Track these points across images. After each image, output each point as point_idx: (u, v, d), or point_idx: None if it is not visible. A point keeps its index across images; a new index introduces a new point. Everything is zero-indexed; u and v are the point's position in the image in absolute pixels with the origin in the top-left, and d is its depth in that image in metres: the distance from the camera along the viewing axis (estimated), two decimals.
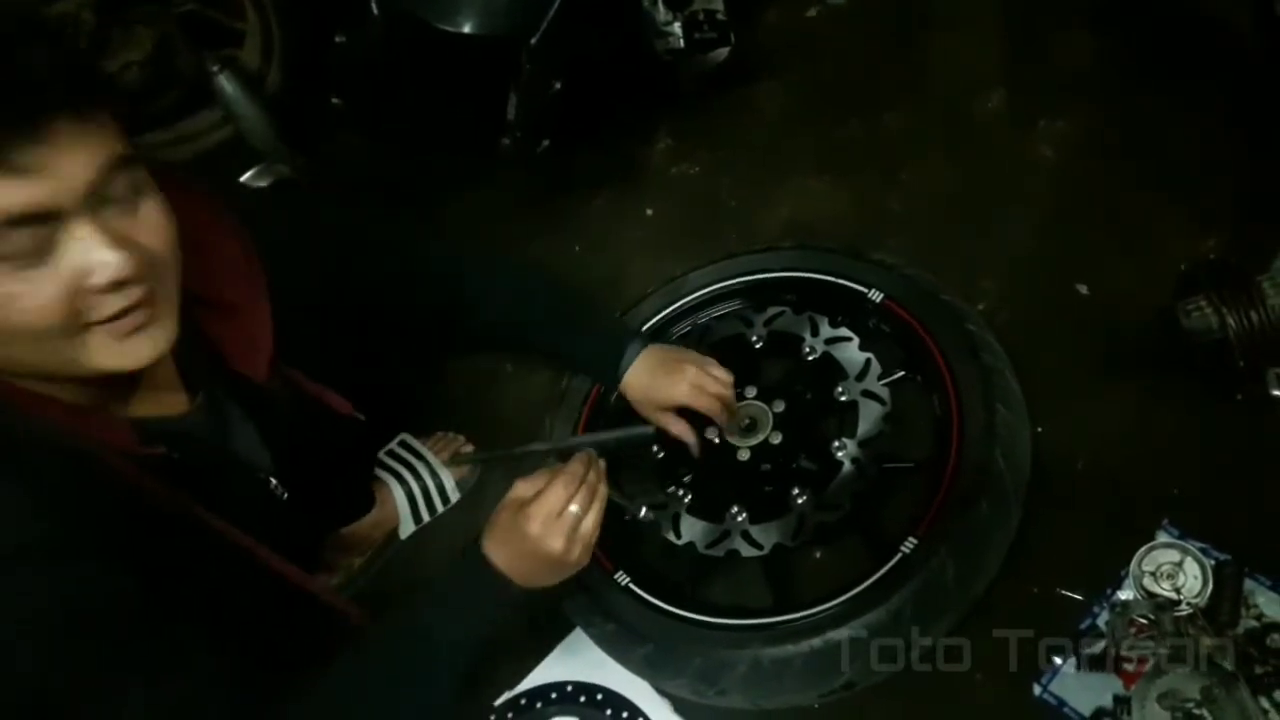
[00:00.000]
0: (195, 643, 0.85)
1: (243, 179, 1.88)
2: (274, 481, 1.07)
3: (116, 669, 0.80)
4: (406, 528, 1.52)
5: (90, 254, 0.75)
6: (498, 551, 0.98)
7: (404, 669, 0.95)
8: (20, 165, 0.70)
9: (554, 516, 0.97)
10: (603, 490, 1.02)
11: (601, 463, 1.04)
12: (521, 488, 1.01)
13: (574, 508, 0.98)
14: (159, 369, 0.93)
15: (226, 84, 1.89)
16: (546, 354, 1.49)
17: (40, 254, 0.73)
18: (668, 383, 1.29)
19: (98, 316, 0.78)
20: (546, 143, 1.69)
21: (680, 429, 1.32)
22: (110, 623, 0.80)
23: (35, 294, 0.74)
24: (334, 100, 1.74)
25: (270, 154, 1.89)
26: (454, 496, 1.54)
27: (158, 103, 2.23)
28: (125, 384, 0.89)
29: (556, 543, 0.97)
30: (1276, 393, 1.20)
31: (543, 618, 1.33)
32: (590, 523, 1.00)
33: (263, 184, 1.86)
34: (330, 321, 1.15)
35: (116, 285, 0.76)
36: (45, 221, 0.72)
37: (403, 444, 1.57)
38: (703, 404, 1.29)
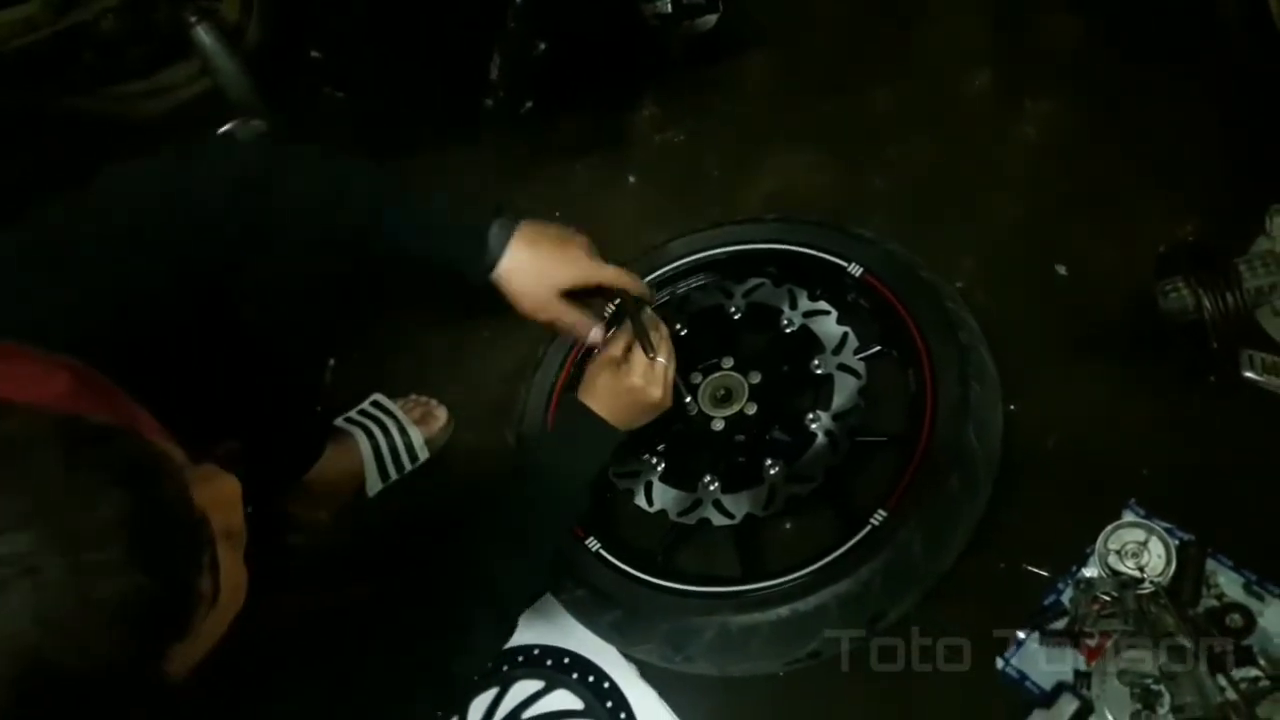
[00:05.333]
0: None
1: (218, 133, 1.85)
2: None
3: None
4: (373, 484, 1.52)
5: None
6: (599, 404, 1.15)
7: (528, 512, 1.11)
8: None
9: (649, 368, 1.16)
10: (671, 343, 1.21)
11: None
12: (612, 348, 1.18)
13: (661, 359, 1.17)
14: None
15: (204, 36, 1.86)
16: (387, 246, 1.13)
17: None
18: (562, 258, 1.12)
19: None
20: (529, 104, 1.67)
21: (579, 320, 1.18)
22: None
23: None
24: (314, 54, 1.72)
25: (248, 108, 1.87)
26: (422, 455, 1.54)
27: (134, 52, 2.19)
28: None
29: (656, 390, 1.16)
30: (1248, 374, 1.21)
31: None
32: (671, 371, 1.18)
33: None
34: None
35: None
36: None
37: (374, 403, 1.56)
38: (609, 274, 1.16)
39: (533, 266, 1.11)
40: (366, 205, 1.09)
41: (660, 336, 1.19)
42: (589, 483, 1.15)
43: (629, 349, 1.17)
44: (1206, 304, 1.18)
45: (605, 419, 1.15)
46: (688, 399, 1.37)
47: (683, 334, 1.50)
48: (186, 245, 0.99)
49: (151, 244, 0.96)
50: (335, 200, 1.07)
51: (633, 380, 1.14)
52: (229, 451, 1.02)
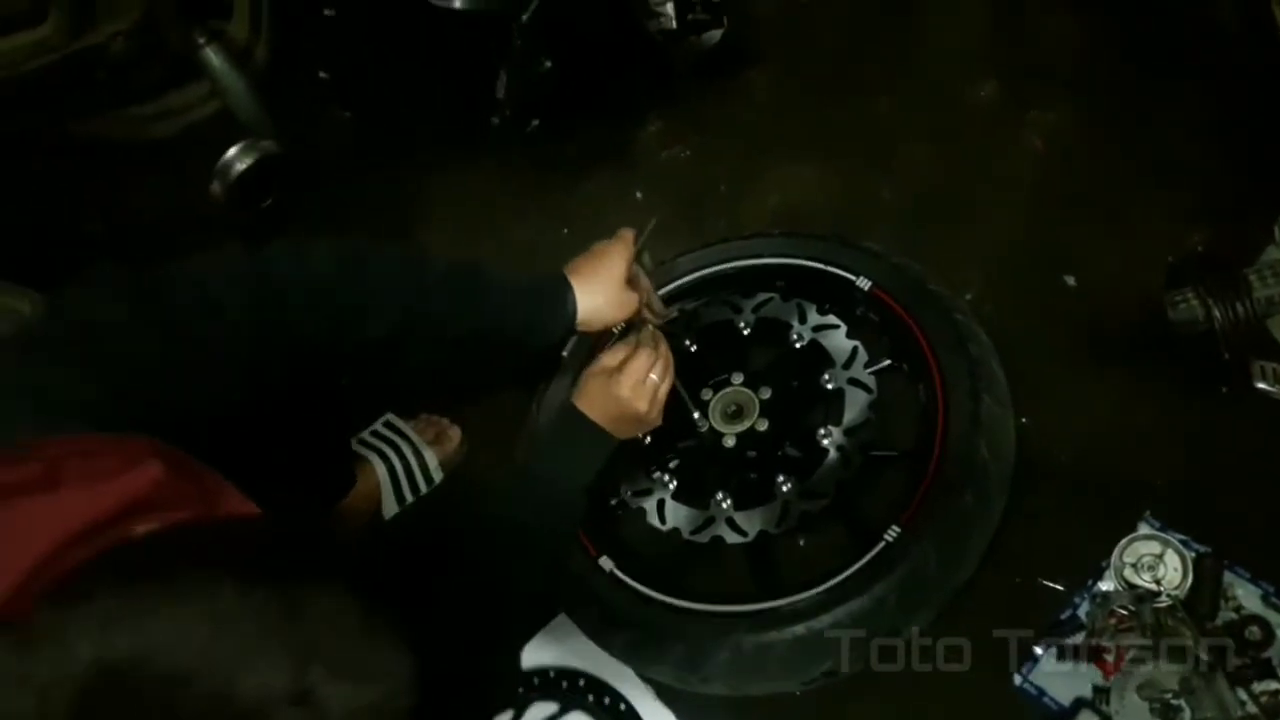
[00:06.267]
0: None
1: (228, 154, 1.86)
2: None
3: None
4: (389, 506, 1.52)
5: None
6: (589, 409, 1.16)
7: (524, 516, 1.12)
8: None
9: (640, 383, 1.16)
10: (672, 362, 1.21)
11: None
12: (608, 358, 1.18)
13: (654, 376, 1.17)
14: None
15: (214, 57, 1.87)
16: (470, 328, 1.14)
17: None
18: (620, 305, 1.18)
19: None
20: (536, 122, 1.68)
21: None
22: None
23: None
24: (322, 75, 1.72)
25: (257, 128, 1.87)
26: (437, 476, 1.54)
27: (144, 75, 2.20)
28: None
29: (642, 404, 1.16)
30: (1261, 385, 1.20)
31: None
32: (665, 389, 1.19)
33: (249, 160, 1.84)
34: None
35: None
36: None
37: (387, 424, 1.57)
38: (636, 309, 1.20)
39: (604, 318, 1.17)
40: (447, 291, 1.09)
41: (658, 355, 1.19)
42: (583, 485, 1.16)
43: (626, 361, 1.18)
44: (1217, 314, 1.18)
45: (597, 422, 1.16)
46: (696, 414, 1.37)
47: (692, 350, 1.50)
48: (266, 351, 0.95)
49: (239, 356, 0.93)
50: (417, 292, 1.07)
51: (621, 392, 1.15)
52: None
